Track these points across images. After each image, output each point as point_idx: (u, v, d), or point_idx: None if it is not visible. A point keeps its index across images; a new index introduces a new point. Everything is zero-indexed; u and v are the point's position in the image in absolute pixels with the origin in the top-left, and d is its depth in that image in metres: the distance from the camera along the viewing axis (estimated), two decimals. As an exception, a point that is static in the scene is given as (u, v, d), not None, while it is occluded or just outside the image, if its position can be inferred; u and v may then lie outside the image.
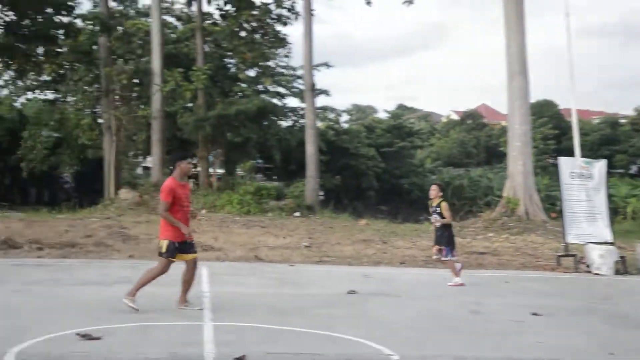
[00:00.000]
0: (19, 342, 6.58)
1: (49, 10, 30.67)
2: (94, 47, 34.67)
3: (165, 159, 31.10)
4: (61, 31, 31.50)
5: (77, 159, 44.53)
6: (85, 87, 38.98)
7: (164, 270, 8.62)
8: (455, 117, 72.89)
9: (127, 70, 32.55)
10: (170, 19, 44.10)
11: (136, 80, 35.84)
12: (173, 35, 41.14)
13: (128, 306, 8.31)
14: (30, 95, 44.80)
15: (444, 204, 11.67)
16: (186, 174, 8.80)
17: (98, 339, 6.82)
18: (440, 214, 11.62)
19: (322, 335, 7.52)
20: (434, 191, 11.88)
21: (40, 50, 33.18)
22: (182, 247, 8.53)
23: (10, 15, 30.64)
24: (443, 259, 11.77)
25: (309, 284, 11.20)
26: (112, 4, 39.68)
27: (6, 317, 7.81)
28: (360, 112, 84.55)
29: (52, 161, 43.87)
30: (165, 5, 41.92)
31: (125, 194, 29.10)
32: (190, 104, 35.72)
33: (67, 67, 38.71)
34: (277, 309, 8.97)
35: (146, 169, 50.14)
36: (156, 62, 30.41)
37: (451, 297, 10.57)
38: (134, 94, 35.27)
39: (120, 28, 37.44)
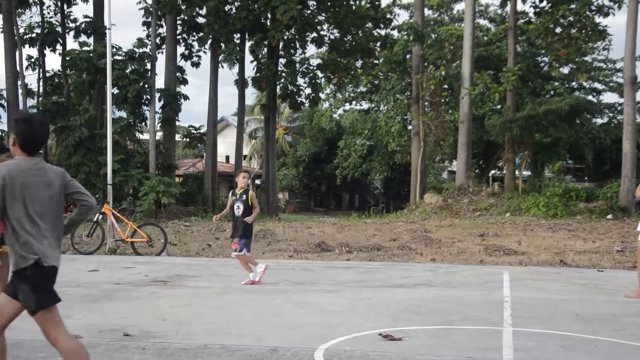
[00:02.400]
0: (328, 339, 6.98)
1: (369, 25, 32.64)
2: (407, 56, 35.98)
3: (470, 163, 31.11)
4: (378, 44, 33.24)
5: (386, 165, 46.62)
6: (397, 96, 40.62)
7: None
8: None
9: (437, 76, 33.21)
10: (482, 22, 44.25)
11: (445, 86, 36.44)
12: (485, 38, 41.11)
13: None
14: (347, 106, 47.83)
15: (253, 193, 10.84)
16: None
17: (399, 339, 6.99)
18: (247, 203, 10.67)
19: (633, 347, 6.91)
20: (244, 179, 10.87)
21: (359, 63, 35.42)
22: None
23: (335, 33, 33.19)
24: (234, 254, 10.89)
25: (619, 291, 10.34)
26: (428, 13, 40.84)
27: (317, 315, 8.37)
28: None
29: (363, 168, 46.49)
30: (479, 8, 42.11)
31: (430, 198, 29.67)
32: (498, 106, 35.31)
33: (381, 77, 40.76)
34: (582, 316, 8.43)
35: (451, 173, 50.65)
36: (466, 66, 30.55)
37: None
38: (443, 99, 35.88)
39: (433, 35, 38.35)
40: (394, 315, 8.35)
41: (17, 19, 29.15)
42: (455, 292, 10.30)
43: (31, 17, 32.38)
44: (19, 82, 28.10)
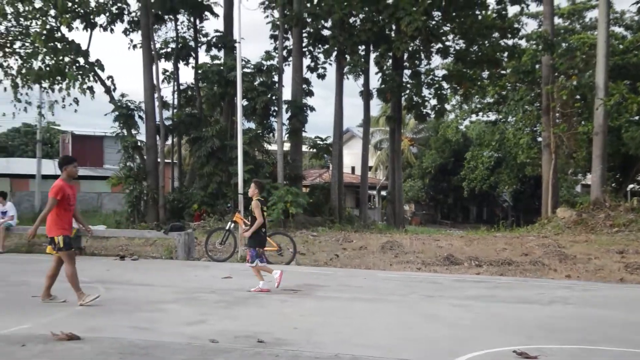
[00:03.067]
0: (459, 354, 6.84)
1: (496, 35, 31.95)
2: (537, 66, 34.89)
3: (606, 176, 29.61)
4: (505, 54, 32.46)
5: (515, 177, 45.30)
6: (526, 107, 39.44)
7: (72, 262, 9.39)
8: None
9: (569, 86, 31.90)
10: (617, 30, 42.28)
11: (577, 96, 34.99)
12: (620, 46, 39.22)
13: (87, 305, 9.16)
14: (473, 117, 46.98)
15: (254, 202, 11.16)
16: (73, 177, 9.63)
17: (534, 358, 6.74)
18: (251, 212, 11.15)
19: None
20: (251, 189, 11.32)
21: (485, 74, 34.71)
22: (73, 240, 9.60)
23: (461, 44, 32.69)
24: (249, 265, 11.15)
25: None
26: (558, 21, 39.46)
27: (446, 329, 8.21)
28: None
29: (491, 180, 45.37)
30: (614, 15, 40.28)
31: (563, 212, 28.44)
32: (636, 117, 33.52)
33: (509, 87, 39.73)
34: None
35: (585, 186, 48.51)
36: (600, 75, 29.13)
37: None
38: (575, 110, 34.43)
39: (564, 44, 37.01)
40: (528, 332, 8.05)
41: (154, 35, 30.64)
42: (594, 310, 9.81)
43: (166, 32, 34.05)
44: (156, 95, 29.45)
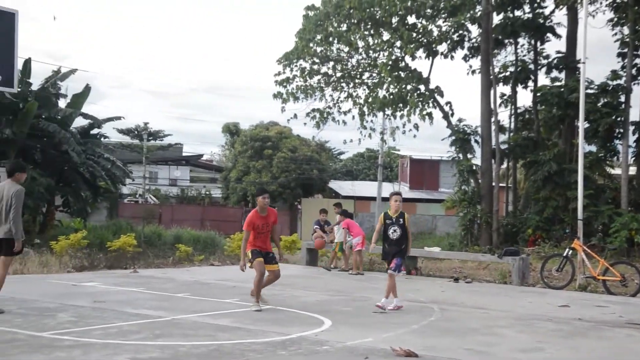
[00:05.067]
0: None
1: None
2: None
3: None
4: None
5: None
6: None
7: (259, 272, 10.47)
8: None
9: None
10: None
11: None
12: None
13: (252, 309, 10.24)
14: None
15: (408, 216, 11.10)
16: (262, 207, 10.69)
17: None
18: (403, 226, 10.86)
19: None
20: (397, 202, 10.96)
21: None
22: (264, 256, 10.73)
23: None
24: (391, 272, 10.87)
25: None
26: None
27: None
28: None
29: None
30: None
31: None
32: None
33: None
34: None
35: None
36: None
37: None
38: None
39: None
40: None
41: (493, 59, 30.82)
42: None
43: (505, 56, 33.88)
44: (492, 119, 29.58)
